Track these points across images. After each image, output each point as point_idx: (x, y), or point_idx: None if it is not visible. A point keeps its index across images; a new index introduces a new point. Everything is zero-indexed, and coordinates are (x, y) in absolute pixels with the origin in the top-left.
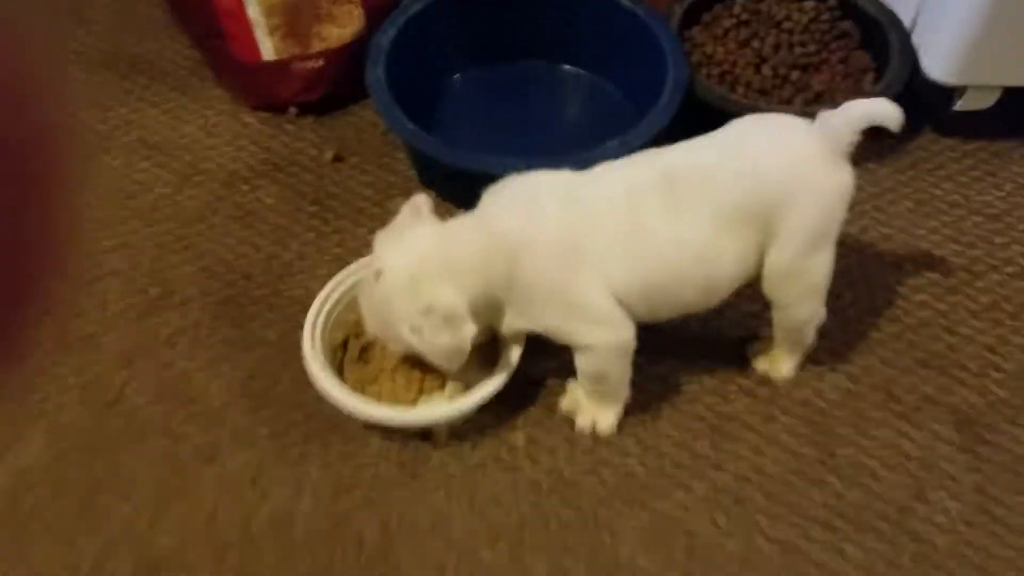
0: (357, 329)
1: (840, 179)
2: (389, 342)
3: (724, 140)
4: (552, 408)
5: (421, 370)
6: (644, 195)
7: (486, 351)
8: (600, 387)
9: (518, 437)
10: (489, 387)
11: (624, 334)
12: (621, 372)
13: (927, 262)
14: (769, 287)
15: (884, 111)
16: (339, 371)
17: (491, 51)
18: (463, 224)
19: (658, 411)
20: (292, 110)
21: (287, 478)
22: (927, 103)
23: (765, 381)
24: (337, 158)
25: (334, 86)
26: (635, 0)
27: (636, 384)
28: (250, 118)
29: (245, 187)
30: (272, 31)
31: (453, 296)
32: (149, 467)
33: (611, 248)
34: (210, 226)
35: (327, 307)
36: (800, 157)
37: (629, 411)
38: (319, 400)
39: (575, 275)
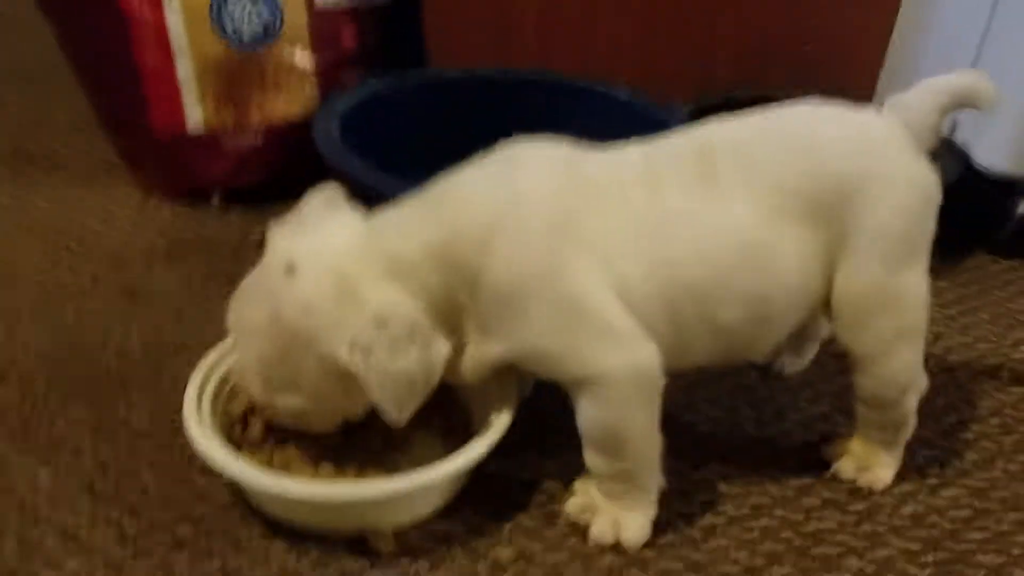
0: None
1: (923, 173)
2: (270, 378)
3: (777, 116)
4: (553, 516)
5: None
6: (669, 168)
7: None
8: (619, 463)
9: (503, 552)
10: (495, 431)
11: (643, 353)
12: (645, 428)
13: None
14: (846, 326)
15: (972, 85)
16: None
17: (471, 143)
18: (409, 205)
19: (711, 527)
20: (216, 199)
21: None
22: (981, 220)
23: (857, 492)
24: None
25: (271, 171)
26: (639, 94)
27: (677, 490)
28: (161, 208)
29: (139, 268)
30: (203, 97)
31: (408, 302)
32: None
33: (621, 233)
34: (83, 303)
35: (227, 363)
36: (872, 143)
37: (669, 523)
38: (199, 498)
39: (569, 263)
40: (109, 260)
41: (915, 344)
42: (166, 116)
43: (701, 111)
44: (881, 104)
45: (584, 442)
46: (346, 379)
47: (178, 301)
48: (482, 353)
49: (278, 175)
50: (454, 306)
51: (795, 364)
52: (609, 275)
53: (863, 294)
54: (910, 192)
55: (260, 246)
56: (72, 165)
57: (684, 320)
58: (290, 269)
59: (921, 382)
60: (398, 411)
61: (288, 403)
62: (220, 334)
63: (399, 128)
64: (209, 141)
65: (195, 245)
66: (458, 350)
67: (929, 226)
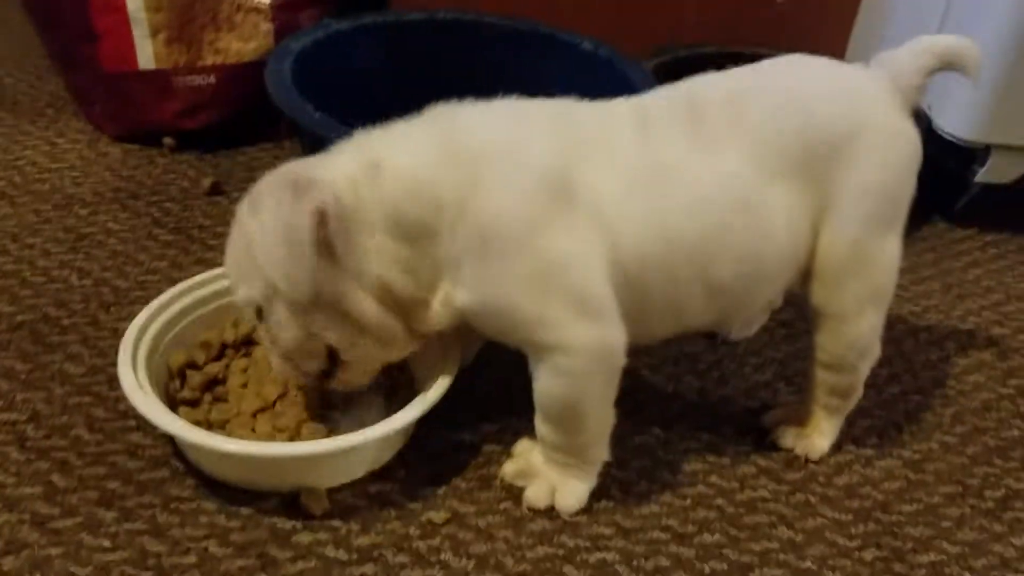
0: (206, 354)
1: (910, 132)
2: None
3: (767, 70)
4: (488, 480)
5: (302, 409)
6: (660, 122)
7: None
8: (570, 436)
9: (436, 514)
10: (432, 395)
11: (612, 331)
12: (601, 405)
13: (972, 343)
14: (822, 284)
15: (962, 49)
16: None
17: (426, 87)
18: (403, 125)
19: (646, 493)
20: (167, 141)
21: (61, 558)
22: (939, 187)
23: (793, 462)
24: (216, 189)
25: (225, 114)
26: (604, 47)
27: (614, 456)
28: (111, 147)
29: (83, 211)
30: (155, 32)
31: (334, 173)
32: None
33: (614, 189)
34: (23, 247)
35: (168, 314)
36: (862, 99)
37: (603, 488)
38: (132, 454)
39: (557, 219)
40: (54, 200)
41: (882, 308)
42: (115, 51)
43: (665, 66)
44: (866, 61)
45: (537, 411)
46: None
47: (123, 247)
48: (452, 299)
49: (232, 118)
50: (426, 235)
51: (743, 331)
52: (601, 236)
53: (844, 254)
54: (897, 150)
55: (210, 193)
56: (19, 98)
57: (679, 280)
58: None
59: (876, 350)
60: (283, 278)
61: (242, 295)
62: (163, 283)
63: (356, 71)
64: (160, 79)
65: (144, 189)
66: (430, 293)
67: (910, 187)
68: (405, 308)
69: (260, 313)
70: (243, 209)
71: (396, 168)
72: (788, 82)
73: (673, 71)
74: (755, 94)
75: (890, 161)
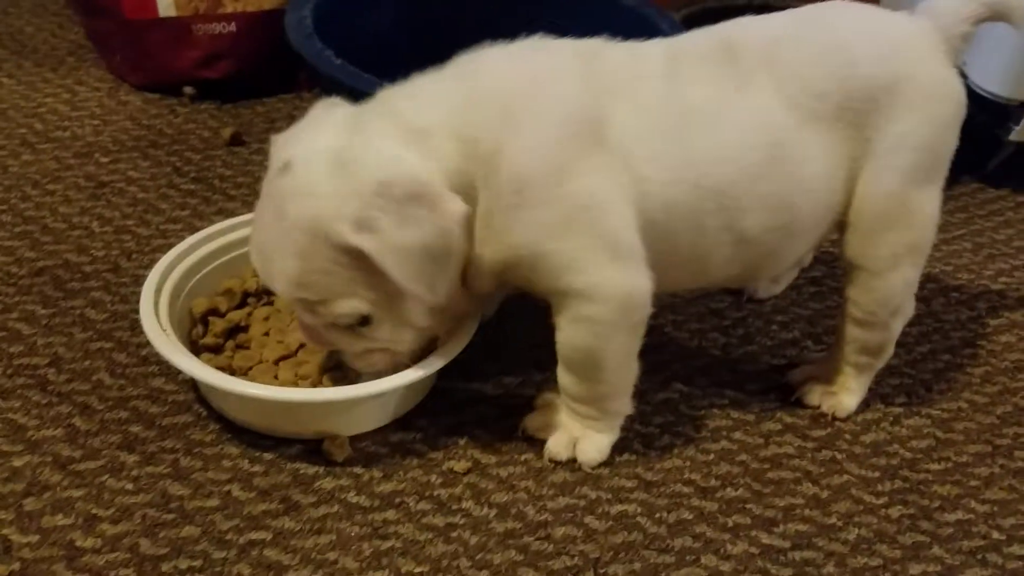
0: (228, 301)
1: (954, 84)
2: (310, 296)
3: (807, 15)
4: (510, 431)
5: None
6: (692, 64)
7: None
8: (593, 386)
9: (457, 463)
10: (454, 346)
11: (640, 279)
12: (625, 355)
13: (1002, 304)
14: (856, 237)
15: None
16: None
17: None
18: (424, 79)
19: (668, 447)
20: (188, 90)
21: (83, 500)
22: (972, 145)
23: (819, 419)
24: (236, 140)
25: (245, 63)
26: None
27: (637, 411)
28: (131, 96)
29: (104, 159)
30: None
31: (413, 161)
32: None
33: (643, 131)
34: (44, 193)
35: (190, 260)
36: (905, 47)
37: (625, 442)
38: (154, 399)
39: (587, 161)
40: (75, 147)
41: (918, 264)
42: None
43: (694, 16)
44: (910, 9)
45: (560, 361)
46: (373, 267)
47: (144, 195)
48: (481, 254)
49: (252, 68)
50: (471, 187)
51: (770, 289)
52: (629, 181)
53: (881, 206)
54: (940, 101)
55: (231, 143)
56: (39, 47)
57: (707, 229)
58: (285, 167)
59: (909, 307)
60: (427, 290)
61: (344, 311)
62: (185, 232)
63: (374, 20)
64: (180, 27)
65: (165, 138)
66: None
67: (952, 140)
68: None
69: (365, 321)
70: (342, 228)
71: (444, 130)
72: (828, 28)
73: (702, 23)
74: (793, 38)
75: (932, 113)
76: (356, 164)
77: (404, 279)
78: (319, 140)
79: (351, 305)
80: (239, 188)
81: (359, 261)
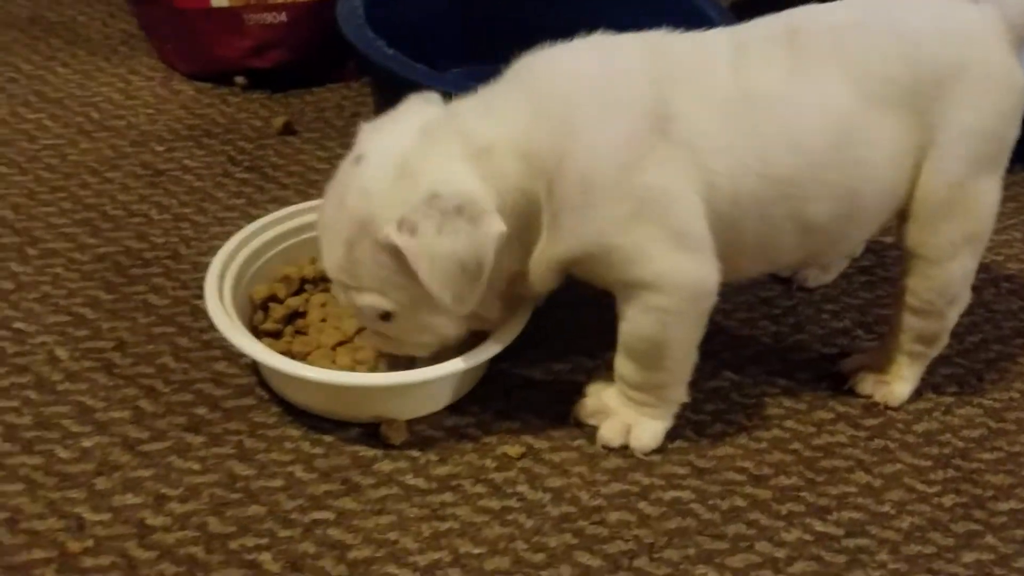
0: (286, 288)
1: (1016, 73)
2: (347, 281)
3: (872, 3)
4: (563, 417)
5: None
6: (760, 53)
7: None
8: (652, 374)
9: (511, 448)
10: (507, 334)
11: (707, 269)
12: (687, 344)
13: None
14: (917, 225)
15: None
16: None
17: (496, 29)
18: (491, 91)
19: (721, 435)
20: (239, 79)
21: (152, 479)
22: None
23: (871, 408)
24: (288, 129)
25: (295, 53)
26: None
27: (688, 400)
28: (184, 85)
29: (160, 147)
30: None
31: (470, 179)
32: None
33: (710, 122)
34: (103, 181)
35: (250, 248)
36: (970, 34)
37: (677, 430)
38: (217, 382)
39: (654, 153)
40: (131, 136)
41: (976, 253)
42: None
43: (743, 4)
44: None
45: (622, 349)
46: (408, 269)
47: (200, 184)
48: (549, 255)
49: (303, 57)
50: (530, 202)
51: (820, 278)
52: (697, 172)
53: (943, 195)
54: (1005, 90)
55: (283, 132)
56: (92, 36)
57: (773, 219)
58: (358, 159)
59: (966, 297)
60: (453, 299)
61: (367, 303)
62: (242, 220)
63: (430, 8)
64: (232, 16)
65: (218, 127)
66: (529, 256)
67: (1015, 130)
68: (506, 285)
69: (387, 317)
70: (387, 228)
71: (506, 147)
72: (894, 14)
73: (752, 10)
74: (860, 24)
75: (996, 102)
76: (418, 175)
77: (434, 284)
78: (395, 142)
79: (375, 300)
80: (291, 177)
81: (397, 261)
